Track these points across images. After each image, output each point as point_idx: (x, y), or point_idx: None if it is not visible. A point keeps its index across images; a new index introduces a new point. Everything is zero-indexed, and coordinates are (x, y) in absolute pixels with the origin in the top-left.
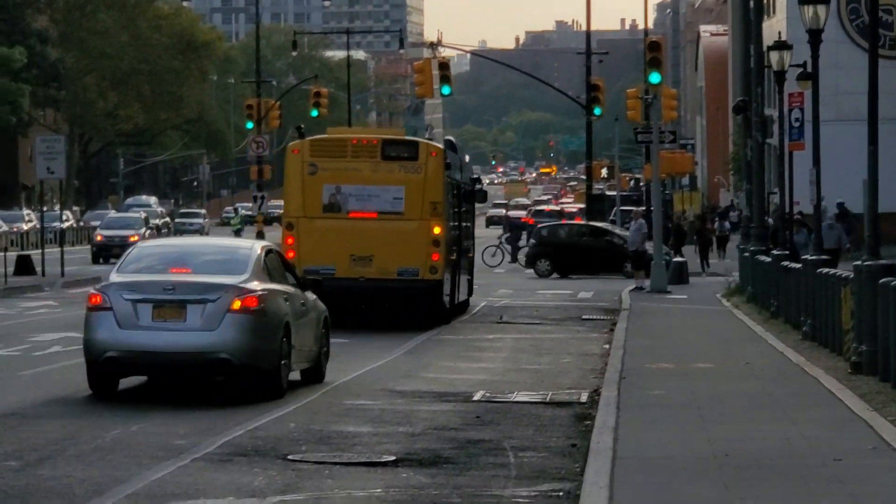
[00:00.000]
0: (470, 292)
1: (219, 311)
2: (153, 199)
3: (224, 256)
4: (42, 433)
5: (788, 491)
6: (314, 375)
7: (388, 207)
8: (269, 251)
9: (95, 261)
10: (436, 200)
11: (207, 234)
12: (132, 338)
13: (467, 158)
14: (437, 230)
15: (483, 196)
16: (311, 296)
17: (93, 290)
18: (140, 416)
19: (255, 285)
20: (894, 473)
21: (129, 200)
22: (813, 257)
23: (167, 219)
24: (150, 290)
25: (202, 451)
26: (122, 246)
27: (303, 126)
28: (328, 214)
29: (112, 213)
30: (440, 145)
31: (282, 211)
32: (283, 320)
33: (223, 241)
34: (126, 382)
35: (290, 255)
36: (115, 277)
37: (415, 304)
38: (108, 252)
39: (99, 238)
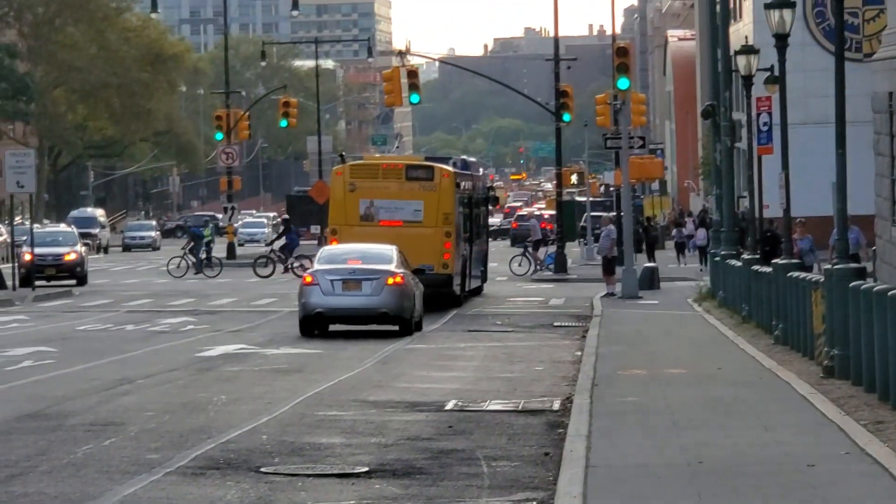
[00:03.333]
0: (484, 280)
1: (381, 284)
2: (99, 212)
3: (377, 253)
4: (14, 449)
5: (762, 497)
6: (418, 326)
7: (411, 217)
8: (399, 251)
9: (25, 284)
10: (447, 212)
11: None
12: (331, 301)
13: (481, 171)
14: (448, 235)
15: (496, 201)
16: (416, 278)
17: (306, 274)
18: (113, 430)
19: (399, 269)
20: (867, 478)
21: (74, 213)
22: (785, 261)
23: (106, 231)
24: (341, 273)
25: (175, 465)
26: (56, 266)
27: (344, 152)
28: (364, 223)
29: (37, 228)
30: (451, 168)
31: (251, 219)
32: (413, 291)
33: (374, 246)
34: (107, 394)
35: None
36: (317, 266)
37: (431, 292)
38: (39, 273)
39: (29, 257)
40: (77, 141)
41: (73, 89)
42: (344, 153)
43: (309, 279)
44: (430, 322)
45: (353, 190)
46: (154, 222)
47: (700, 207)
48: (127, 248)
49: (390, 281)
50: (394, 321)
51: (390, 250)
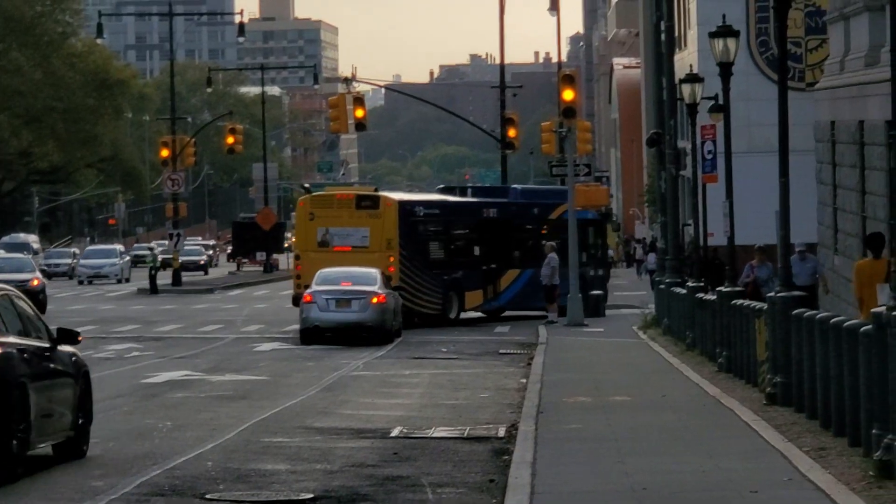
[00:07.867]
0: (544, 298)
1: (367, 303)
2: (32, 237)
3: (364, 275)
4: None
5: None
6: (398, 333)
7: (359, 243)
8: (382, 273)
9: None
10: (391, 237)
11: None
12: (326, 316)
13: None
14: (391, 258)
15: (616, 225)
16: (396, 293)
17: (305, 294)
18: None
19: (382, 290)
20: None
21: (5, 238)
22: (728, 289)
23: (40, 258)
24: (335, 293)
25: (119, 492)
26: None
27: (307, 184)
28: (321, 248)
29: None
30: (395, 197)
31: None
32: (394, 305)
33: (361, 269)
34: None
35: (299, 277)
36: (315, 287)
37: None
38: None
39: None
40: (21, 167)
41: (17, 114)
42: (308, 185)
43: (309, 298)
44: (375, 349)
45: (312, 219)
46: (75, 250)
47: (643, 235)
48: (47, 276)
49: (374, 300)
50: (377, 332)
51: (375, 273)
